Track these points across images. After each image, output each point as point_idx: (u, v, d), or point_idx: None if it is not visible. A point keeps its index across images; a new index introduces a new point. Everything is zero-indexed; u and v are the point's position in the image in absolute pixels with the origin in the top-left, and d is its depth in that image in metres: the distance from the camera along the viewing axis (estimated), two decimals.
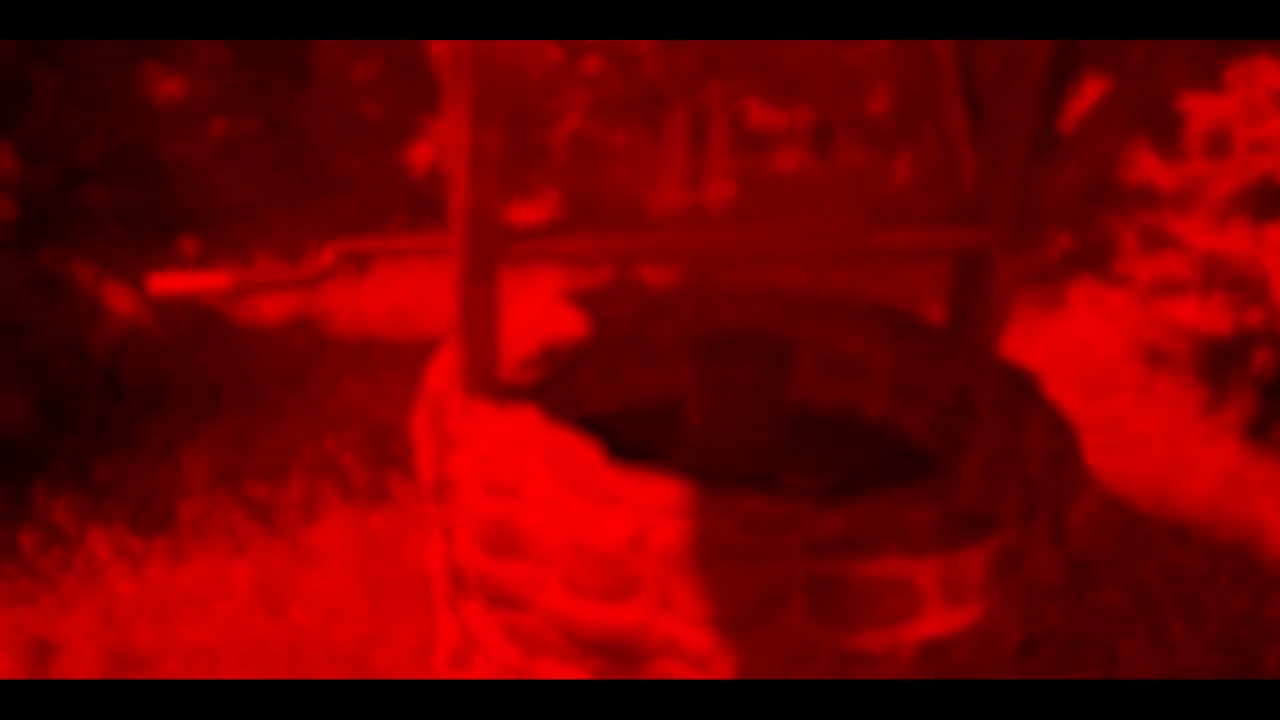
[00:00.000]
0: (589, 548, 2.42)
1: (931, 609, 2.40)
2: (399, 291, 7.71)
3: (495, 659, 2.82)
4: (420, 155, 8.77)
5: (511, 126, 9.09)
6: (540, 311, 4.09)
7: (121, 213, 4.76)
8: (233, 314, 6.07)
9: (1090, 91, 4.85)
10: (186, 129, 5.03)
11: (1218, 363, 6.47)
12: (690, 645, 2.42)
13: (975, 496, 2.62)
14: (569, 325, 4.09)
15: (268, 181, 8.84)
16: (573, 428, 2.94)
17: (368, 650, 3.90)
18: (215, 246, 6.00)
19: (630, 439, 4.09)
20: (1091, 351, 7.49)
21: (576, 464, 2.67)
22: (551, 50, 7.30)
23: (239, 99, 10.19)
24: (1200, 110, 6.18)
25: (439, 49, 2.30)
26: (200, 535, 4.40)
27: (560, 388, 4.05)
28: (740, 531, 2.39)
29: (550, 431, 2.86)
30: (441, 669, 3.31)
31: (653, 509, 2.47)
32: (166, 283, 2.29)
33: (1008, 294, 3.66)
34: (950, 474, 2.77)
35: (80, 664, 3.63)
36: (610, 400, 4.37)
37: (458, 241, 2.74)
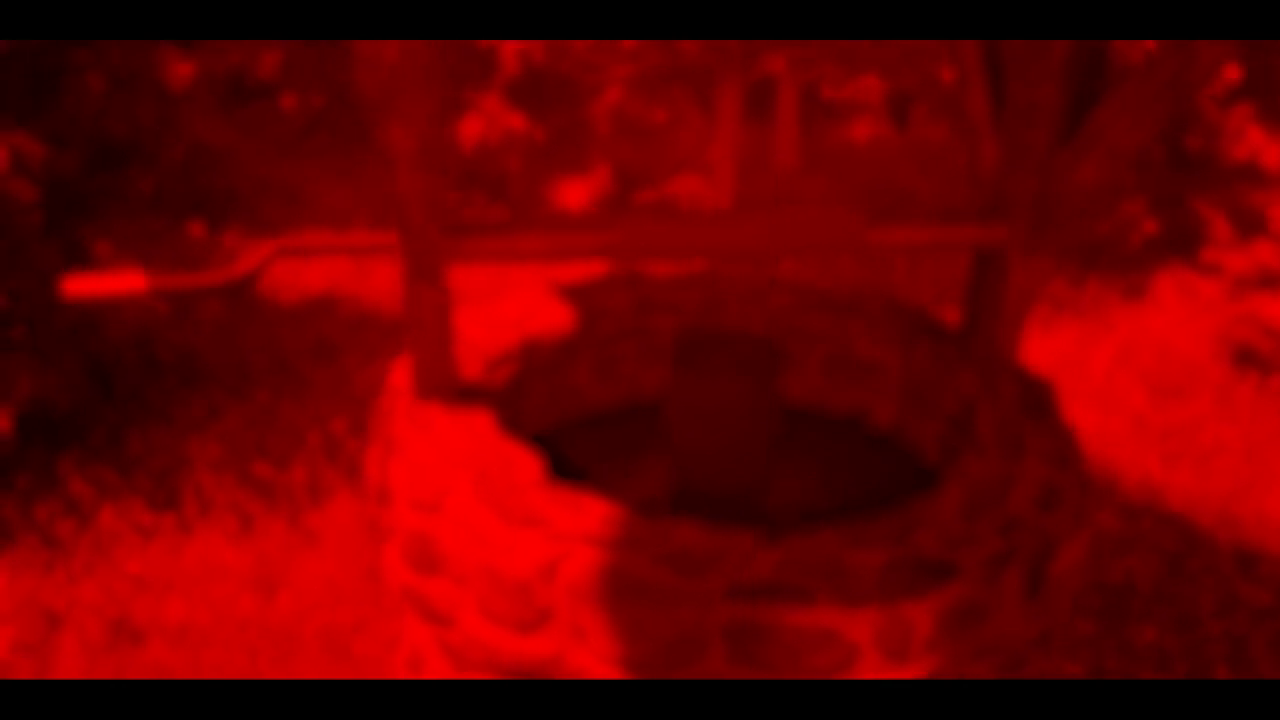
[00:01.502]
0: (502, 573, 2.29)
1: (866, 664, 2.17)
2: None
3: (433, 671, 2.75)
4: (469, 130, 8.72)
5: (556, 104, 8.90)
6: (532, 304, 3.95)
7: (144, 194, 4.86)
8: (271, 290, 6.20)
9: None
10: (215, 108, 5.07)
11: None
12: None
13: (939, 539, 2.35)
14: (560, 319, 3.95)
15: (310, 157, 8.97)
16: (514, 439, 2.79)
17: (353, 637, 3.92)
18: (255, 226, 6.11)
19: (626, 437, 3.94)
20: (1171, 347, 6.84)
21: (504, 481, 2.54)
22: None
23: (295, 76, 10.38)
24: None
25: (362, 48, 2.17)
26: (208, 513, 4.52)
27: (545, 385, 3.92)
28: (658, 568, 2.21)
29: (486, 444, 2.73)
30: (400, 669, 3.27)
31: (570, 536, 2.31)
32: (82, 285, 2.26)
33: (1026, 296, 3.30)
34: (916, 510, 2.50)
35: (82, 636, 3.78)
36: (608, 396, 4.22)
37: (399, 241, 2.62)
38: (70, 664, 3.60)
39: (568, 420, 4.11)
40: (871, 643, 2.16)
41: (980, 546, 2.34)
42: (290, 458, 4.88)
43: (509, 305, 3.88)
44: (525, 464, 2.66)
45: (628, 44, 7.13)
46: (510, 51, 8.15)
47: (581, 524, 2.36)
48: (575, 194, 9.01)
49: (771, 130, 11.86)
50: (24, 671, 3.57)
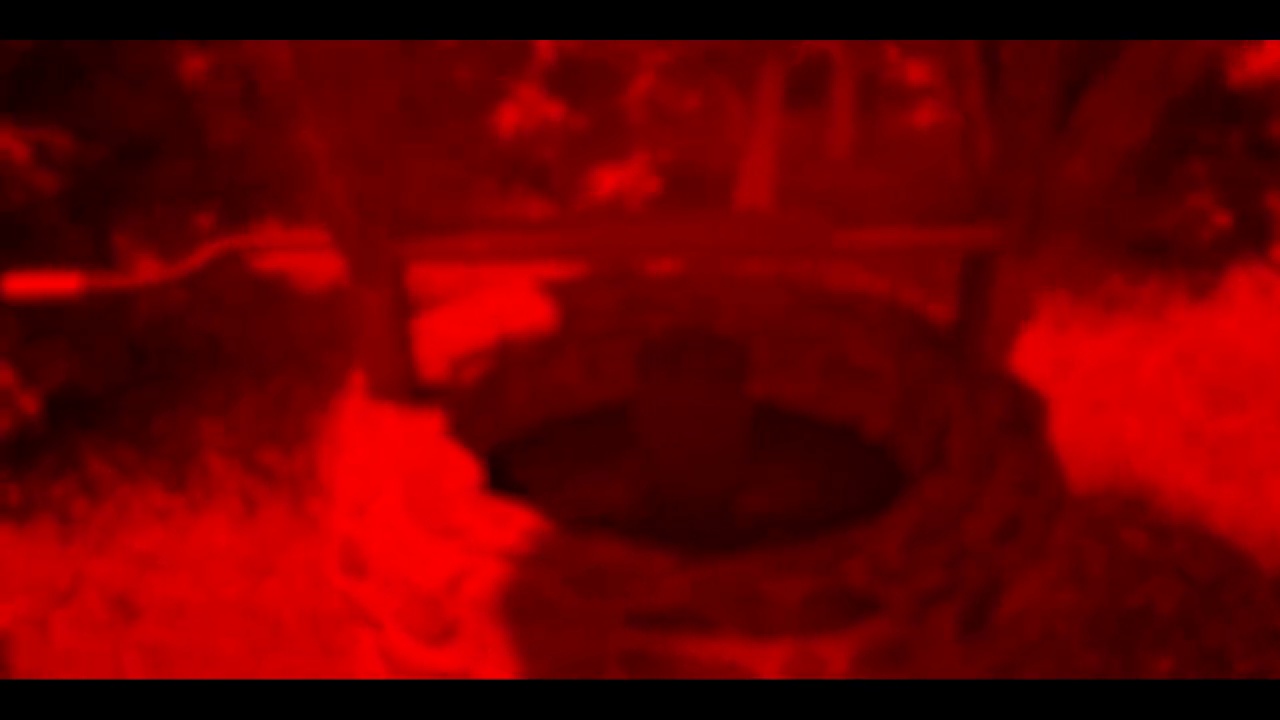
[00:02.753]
0: (414, 584, 2.26)
1: None
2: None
3: (372, 673, 2.75)
4: (507, 119, 8.73)
5: (593, 92, 8.81)
6: (515, 301, 3.91)
7: (166, 187, 5.01)
8: (293, 278, 6.36)
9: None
10: (238, 101, 5.21)
11: None
12: None
13: (870, 570, 2.20)
14: (544, 316, 3.89)
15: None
16: (455, 445, 2.76)
17: (341, 625, 3.98)
18: (288, 217, 6.26)
19: (616, 436, 3.87)
20: (1237, 351, 6.33)
21: (430, 489, 2.50)
22: None
23: None
24: None
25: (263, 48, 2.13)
26: (214, 497, 4.67)
27: (529, 383, 3.88)
28: (563, 588, 2.14)
29: (423, 449, 2.70)
30: (356, 668, 3.30)
31: (483, 550, 2.26)
32: (20, 284, 2.32)
33: (1020, 303, 3.07)
34: (855, 536, 2.35)
35: (82, 612, 3.96)
36: (598, 394, 4.15)
37: (333, 243, 2.60)
38: (67, 638, 3.78)
39: (555, 418, 4.06)
40: (779, 677, 2.04)
41: (915, 580, 2.18)
42: (298, 444, 5.00)
43: (489, 302, 3.84)
44: (460, 471, 2.62)
45: None
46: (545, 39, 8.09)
47: (498, 538, 2.30)
48: (613, 182, 8.92)
49: (825, 117, 11.48)
50: (24, 643, 3.76)
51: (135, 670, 3.68)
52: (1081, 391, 5.90)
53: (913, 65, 13.24)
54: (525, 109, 8.63)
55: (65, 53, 4.77)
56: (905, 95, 13.83)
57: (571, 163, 9.04)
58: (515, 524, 2.36)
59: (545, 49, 8.16)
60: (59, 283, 2.34)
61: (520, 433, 3.95)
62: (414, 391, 3.10)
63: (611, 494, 3.56)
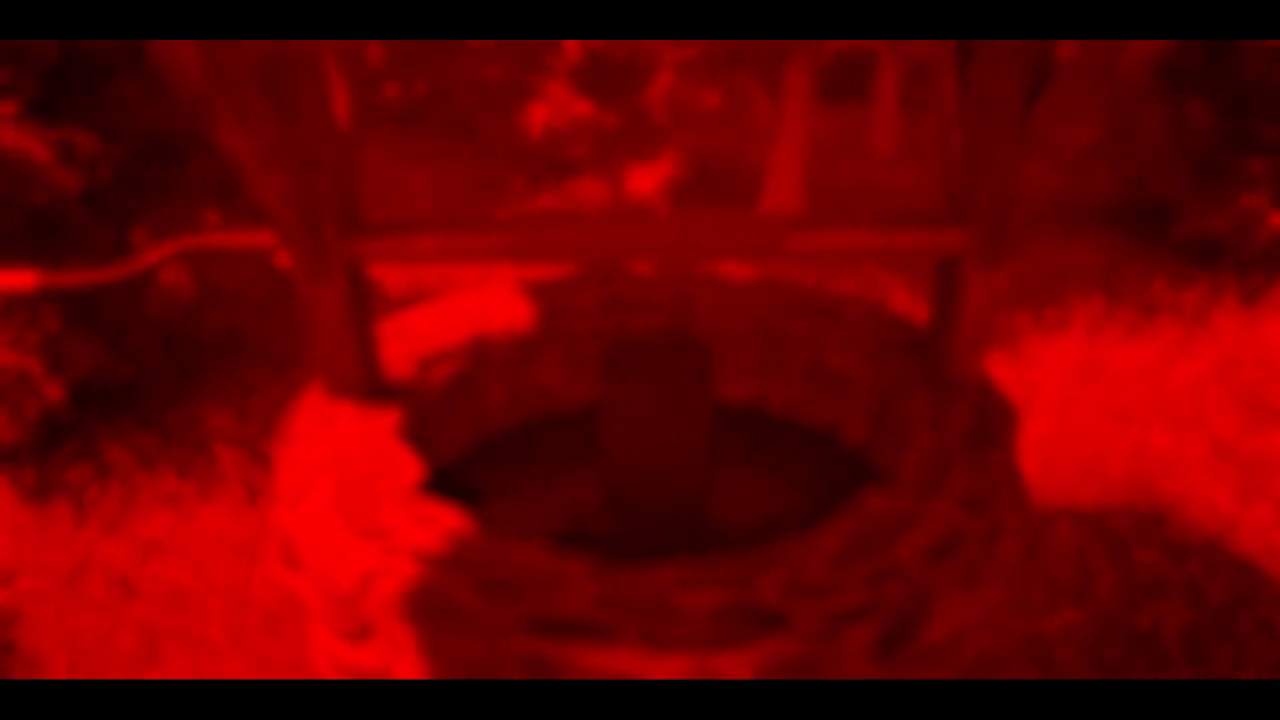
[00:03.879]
0: (334, 581, 2.29)
1: None
2: None
3: (314, 670, 2.81)
4: (536, 116, 8.79)
5: (621, 89, 8.80)
6: (493, 301, 3.93)
7: (183, 185, 5.19)
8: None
9: None
10: None
11: None
12: None
13: (784, 585, 2.14)
14: (523, 316, 3.90)
15: (406, 144, 9.29)
16: (403, 445, 2.78)
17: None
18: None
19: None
20: None
21: (363, 488, 2.53)
22: None
23: (399, 66, 10.77)
24: None
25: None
26: (223, 485, 4.83)
27: (508, 383, 3.90)
28: (469, 592, 2.14)
29: (368, 447, 2.73)
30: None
31: (400, 551, 2.27)
32: None
33: (987, 310, 2.94)
34: (782, 549, 2.29)
35: (84, 593, 4.14)
36: (581, 394, 4.15)
37: (279, 243, 2.66)
38: (69, 618, 3.96)
39: (540, 419, 4.07)
40: None
41: (831, 598, 2.11)
42: None
43: (467, 302, 3.87)
44: (399, 471, 2.65)
45: None
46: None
47: (417, 539, 2.32)
48: (644, 180, 8.90)
49: (869, 113, 11.21)
50: (30, 619, 3.96)
51: (126, 651, 3.83)
52: (1107, 400, 5.63)
53: None
54: (555, 107, 8.67)
55: (91, 54, 4.97)
56: None
57: (602, 160, 9.06)
58: (439, 526, 2.38)
59: (572, 47, 8.18)
60: (15, 279, 2.44)
61: (502, 433, 3.97)
62: (378, 389, 3.14)
63: (593, 496, 3.56)
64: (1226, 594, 4.11)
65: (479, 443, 3.87)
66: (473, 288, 4.03)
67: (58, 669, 3.75)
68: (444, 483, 3.48)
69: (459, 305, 3.84)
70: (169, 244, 2.55)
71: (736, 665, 2.00)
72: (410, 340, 3.54)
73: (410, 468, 2.68)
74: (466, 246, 2.88)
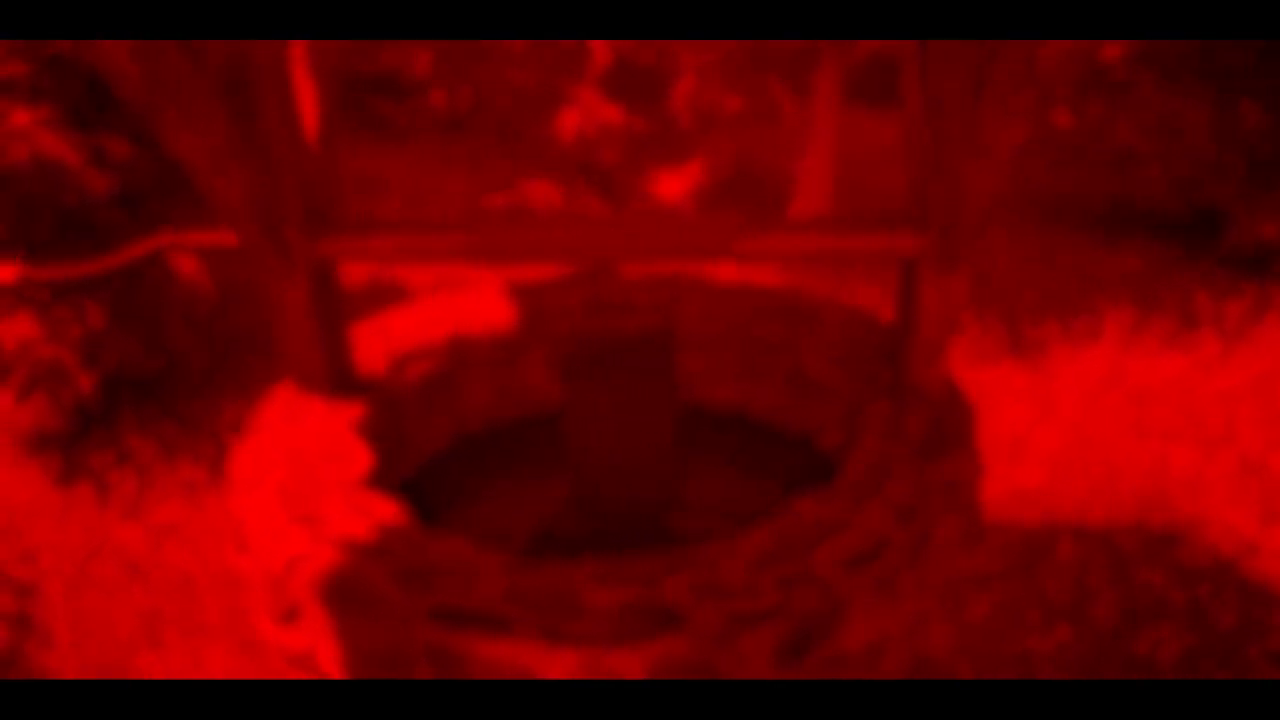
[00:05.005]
0: (266, 564, 2.38)
1: None
2: None
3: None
4: (568, 121, 8.90)
5: (649, 95, 8.84)
6: (478, 302, 4.01)
7: None
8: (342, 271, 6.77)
9: None
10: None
11: None
12: None
13: (690, 585, 2.14)
14: (506, 316, 3.98)
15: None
16: (360, 440, 2.87)
17: None
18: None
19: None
20: None
21: (310, 477, 2.63)
22: None
23: (445, 74, 11.06)
24: None
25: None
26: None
27: (492, 382, 3.98)
28: (386, 580, 2.20)
29: (324, 438, 2.83)
30: None
31: (325, 538, 2.35)
32: None
33: (946, 315, 2.88)
34: (703, 550, 2.29)
35: (95, 575, 4.38)
36: (562, 397, 4.20)
37: (238, 242, 2.78)
38: (81, 598, 4.19)
39: (521, 418, 4.13)
40: None
41: (735, 601, 2.11)
42: None
43: (449, 302, 3.97)
44: (348, 464, 2.73)
45: None
46: (601, 42, 8.20)
47: (347, 528, 2.40)
48: (672, 186, 8.93)
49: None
50: (45, 597, 4.20)
51: (128, 631, 4.03)
52: (1130, 414, 5.40)
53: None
54: (586, 113, 8.78)
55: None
56: None
57: (632, 165, 9.11)
58: (370, 517, 2.45)
59: (601, 53, 8.26)
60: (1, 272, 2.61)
61: (487, 433, 4.05)
62: (349, 385, 3.25)
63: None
64: (1235, 620, 3.90)
65: (462, 441, 3.96)
66: (456, 289, 4.13)
67: (64, 645, 3.98)
68: (426, 481, 3.58)
69: (441, 305, 3.94)
70: (144, 241, 2.69)
71: (629, 663, 2.01)
72: (389, 339, 3.65)
73: (360, 460, 2.77)
74: (425, 246, 2.96)
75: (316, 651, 2.35)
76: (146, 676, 3.80)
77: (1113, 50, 9.03)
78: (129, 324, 5.58)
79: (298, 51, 2.81)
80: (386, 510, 2.49)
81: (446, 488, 3.62)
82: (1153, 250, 7.85)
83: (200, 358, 5.92)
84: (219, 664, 3.83)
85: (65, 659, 3.88)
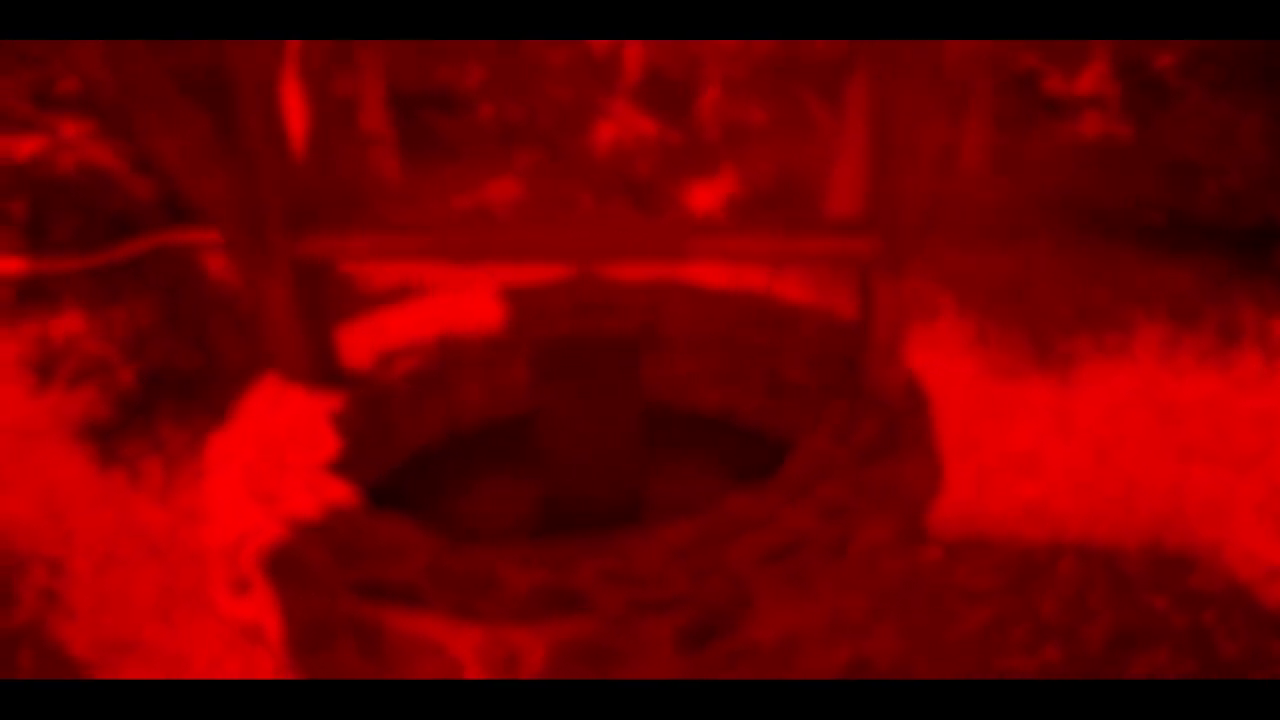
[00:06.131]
0: (221, 538, 2.54)
1: None
2: None
3: None
4: (604, 134, 9.07)
5: (682, 107, 8.94)
6: (469, 303, 4.15)
7: None
8: (362, 280, 7.04)
9: None
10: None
11: None
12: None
13: (597, 571, 2.20)
14: (495, 318, 4.11)
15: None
16: (328, 426, 3.02)
17: None
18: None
19: None
20: None
21: (276, 458, 2.78)
22: None
23: (495, 89, 11.40)
24: None
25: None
26: None
27: (484, 380, 4.11)
28: (321, 554, 2.32)
29: (299, 425, 2.99)
30: None
31: (278, 517, 2.50)
32: None
33: (898, 318, 2.87)
34: (608, 542, 2.34)
35: (125, 553, 4.67)
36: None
37: (222, 241, 2.97)
38: (105, 575, 4.48)
39: (517, 416, 4.25)
40: (475, 660, 2.10)
41: (641, 588, 2.15)
42: None
43: (442, 303, 4.11)
44: (318, 449, 2.89)
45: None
46: (633, 56, 8.35)
47: (297, 506, 2.54)
48: (704, 197, 9.00)
49: (959, 128, 10.82)
50: (74, 573, 4.51)
51: (144, 605, 4.30)
52: (1154, 432, 5.19)
53: (1084, 75, 12.18)
54: (620, 125, 8.93)
55: (186, 69, 5.62)
56: (1066, 106, 12.70)
57: (668, 176, 9.22)
58: (321, 497, 2.59)
59: (633, 66, 8.41)
60: (6, 265, 2.86)
61: (480, 429, 4.19)
62: (334, 378, 3.41)
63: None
64: (1240, 649, 3.71)
65: (457, 438, 4.09)
66: (450, 291, 4.28)
67: (84, 617, 4.26)
68: (421, 474, 3.72)
69: (434, 306, 4.09)
70: (150, 238, 2.91)
71: (531, 640, 2.07)
72: (379, 336, 3.81)
73: (327, 447, 2.92)
74: (397, 246, 3.11)
75: (263, 623, 2.50)
76: (154, 648, 4.05)
77: (1165, 58, 8.70)
78: (177, 324, 5.94)
79: (289, 57, 3.01)
80: (339, 492, 2.62)
81: (440, 482, 3.75)
82: (1199, 263, 7.51)
83: (237, 355, 6.25)
84: (219, 639, 4.05)
85: (83, 630, 4.16)
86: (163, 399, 5.87)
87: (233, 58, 2.68)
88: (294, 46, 3.13)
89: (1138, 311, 6.60)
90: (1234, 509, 4.60)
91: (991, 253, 8.37)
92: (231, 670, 3.98)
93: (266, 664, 2.92)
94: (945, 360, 6.20)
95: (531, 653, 2.09)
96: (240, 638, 3.71)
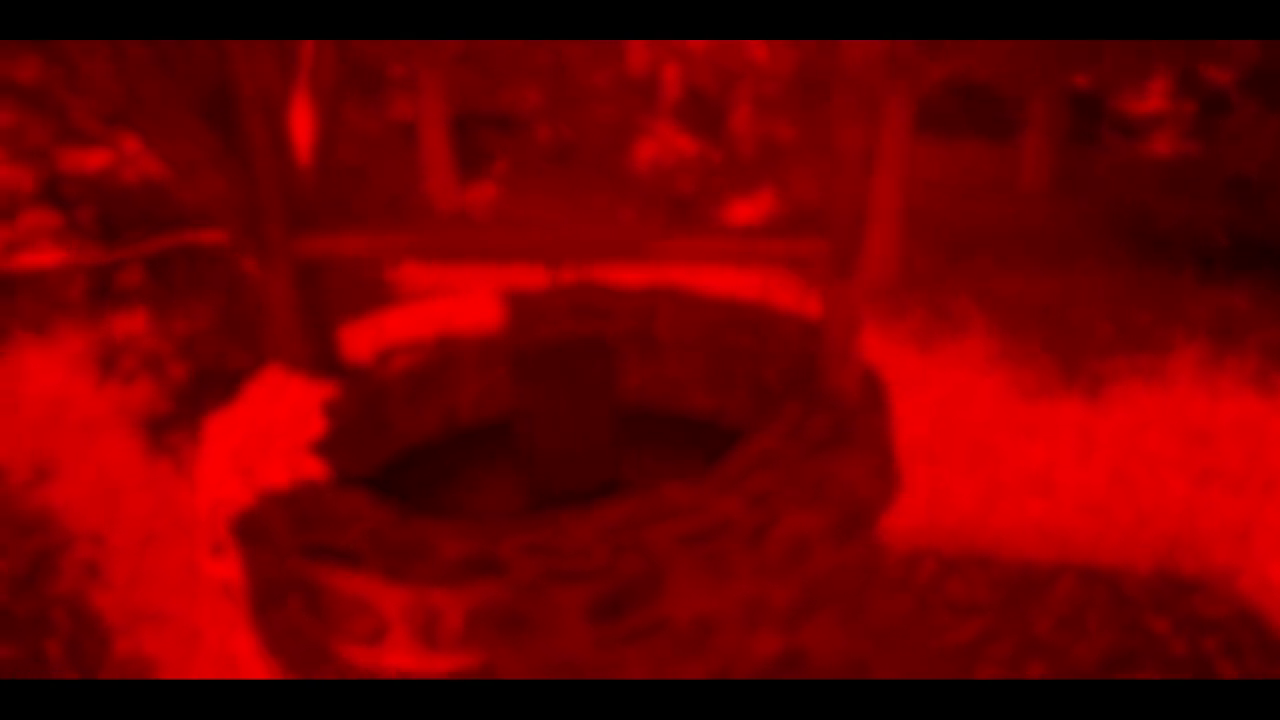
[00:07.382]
0: (199, 504, 2.78)
1: (397, 642, 2.24)
2: None
3: None
4: (644, 152, 9.28)
5: (720, 126, 9.07)
6: (468, 306, 4.36)
7: None
8: (391, 284, 7.40)
9: None
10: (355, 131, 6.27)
11: None
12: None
13: (523, 546, 2.33)
14: (493, 319, 4.31)
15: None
16: (319, 413, 3.25)
17: None
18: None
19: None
20: None
21: (263, 438, 3.02)
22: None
23: (550, 111, 11.78)
24: None
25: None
26: None
27: (481, 379, 4.31)
28: (280, 521, 2.53)
29: (293, 411, 3.23)
30: None
31: (250, 487, 2.72)
32: (30, 259, 3.24)
33: (848, 321, 2.93)
34: (541, 520, 2.47)
35: (163, 535, 5.04)
36: None
37: (228, 240, 3.25)
38: (144, 554, 4.85)
39: (511, 412, 4.43)
40: (400, 619, 2.26)
41: (557, 560, 2.28)
42: None
43: (443, 305, 4.34)
44: (304, 432, 3.12)
45: (759, 54, 7.12)
46: (672, 73, 8.56)
47: (270, 479, 2.76)
48: (745, 214, 9.10)
49: (1019, 146, 10.65)
50: (117, 549, 4.90)
51: (171, 583, 4.63)
52: (1178, 454, 5.00)
53: (1151, 94, 11.86)
54: (661, 143, 9.13)
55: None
56: (1133, 125, 12.33)
57: (708, 194, 9.37)
58: (295, 472, 2.80)
59: (672, 85, 8.61)
60: (45, 258, 3.21)
61: (479, 425, 4.38)
62: (333, 371, 3.66)
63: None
64: (1239, 676, 3.55)
65: (453, 432, 4.30)
66: (451, 294, 4.50)
67: (119, 589, 4.62)
68: (418, 467, 3.93)
69: (435, 308, 4.32)
70: (161, 239, 3.22)
71: (450, 602, 2.22)
72: (380, 334, 4.06)
73: (314, 430, 3.15)
74: (387, 245, 3.34)
75: (233, 582, 2.72)
76: (177, 621, 4.36)
77: (1224, 74, 8.38)
78: (230, 326, 6.38)
79: (302, 67, 3.29)
80: (312, 469, 2.84)
81: (440, 475, 3.96)
82: (1254, 284, 7.17)
83: None
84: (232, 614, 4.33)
85: (117, 600, 4.51)
86: (211, 394, 6.31)
87: (236, 68, 2.96)
88: (305, 64, 3.42)
89: (1178, 332, 6.36)
90: (1251, 535, 4.40)
91: (1036, 272, 8.19)
92: (241, 644, 4.26)
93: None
94: (971, 376, 6.11)
95: (451, 614, 2.24)
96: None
